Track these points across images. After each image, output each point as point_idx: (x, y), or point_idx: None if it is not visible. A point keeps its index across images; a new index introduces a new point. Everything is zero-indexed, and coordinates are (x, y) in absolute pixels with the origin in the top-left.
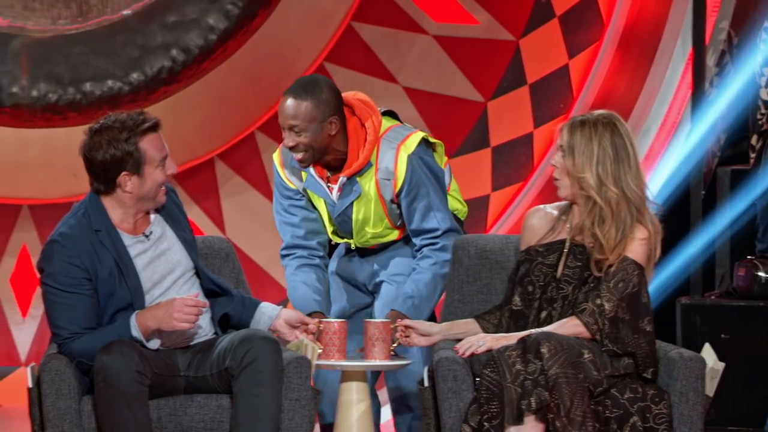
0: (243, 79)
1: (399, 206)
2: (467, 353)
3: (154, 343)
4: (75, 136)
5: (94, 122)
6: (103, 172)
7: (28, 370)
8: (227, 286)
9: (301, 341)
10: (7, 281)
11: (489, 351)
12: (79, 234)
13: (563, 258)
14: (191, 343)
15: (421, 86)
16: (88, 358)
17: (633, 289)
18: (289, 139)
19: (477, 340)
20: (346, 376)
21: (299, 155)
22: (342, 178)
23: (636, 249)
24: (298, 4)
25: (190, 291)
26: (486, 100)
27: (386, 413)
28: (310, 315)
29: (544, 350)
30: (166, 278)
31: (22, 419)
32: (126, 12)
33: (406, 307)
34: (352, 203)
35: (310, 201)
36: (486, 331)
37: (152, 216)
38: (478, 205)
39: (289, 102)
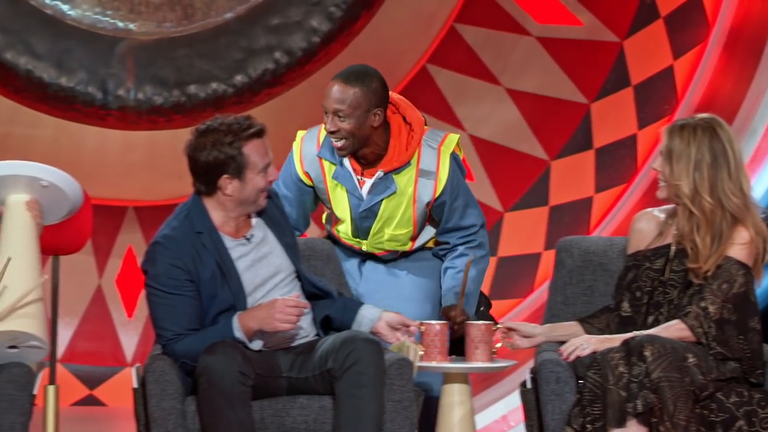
0: None
1: (431, 211)
2: (572, 356)
3: (257, 344)
4: (179, 138)
5: (201, 123)
6: (205, 174)
7: (133, 370)
8: (329, 288)
9: (403, 343)
10: (113, 282)
11: (594, 353)
12: (181, 236)
13: (669, 262)
14: (293, 345)
15: (524, 88)
16: (191, 359)
17: (740, 289)
18: (331, 124)
19: (582, 342)
20: (448, 378)
21: (340, 143)
22: (379, 173)
23: (737, 253)
24: (401, 6)
25: (291, 293)
26: (589, 101)
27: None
28: None
29: (647, 353)
30: (267, 281)
31: (127, 419)
32: (230, 15)
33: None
34: (381, 200)
35: (316, 198)
36: (590, 334)
37: (254, 220)
38: (581, 207)
39: (338, 87)
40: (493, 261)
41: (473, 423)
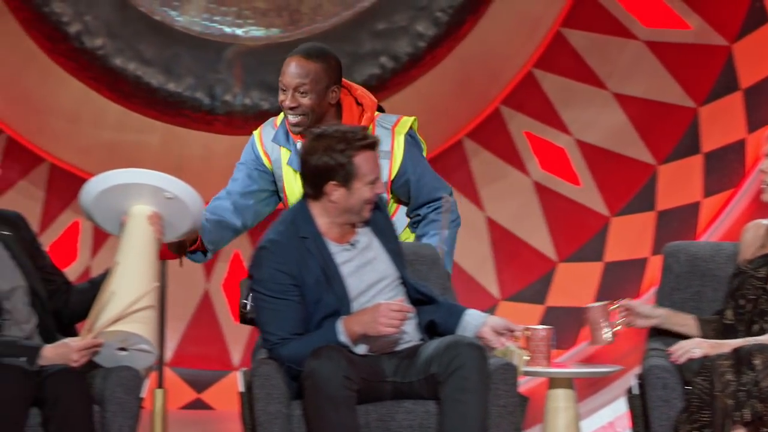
0: (451, 86)
1: (394, 192)
2: (682, 359)
3: (361, 348)
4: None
5: (318, 127)
6: (313, 177)
7: (239, 374)
8: (433, 293)
9: (508, 348)
10: (219, 287)
11: (703, 358)
12: (286, 241)
13: None
14: (397, 349)
15: (631, 92)
16: (296, 363)
17: None
18: (291, 100)
19: (693, 345)
20: (554, 383)
21: (297, 118)
22: None
23: None
24: (507, 11)
25: (395, 299)
26: (698, 105)
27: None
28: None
29: (756, 362)
30: (372, 287)
31: (234, 423)
32: (336, 20)
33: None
34: None
35: (272, 191)
36: (705, 335)
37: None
38: (688, 212)
39: (299, 62)
40: (599, 266)
41: (578, 429)
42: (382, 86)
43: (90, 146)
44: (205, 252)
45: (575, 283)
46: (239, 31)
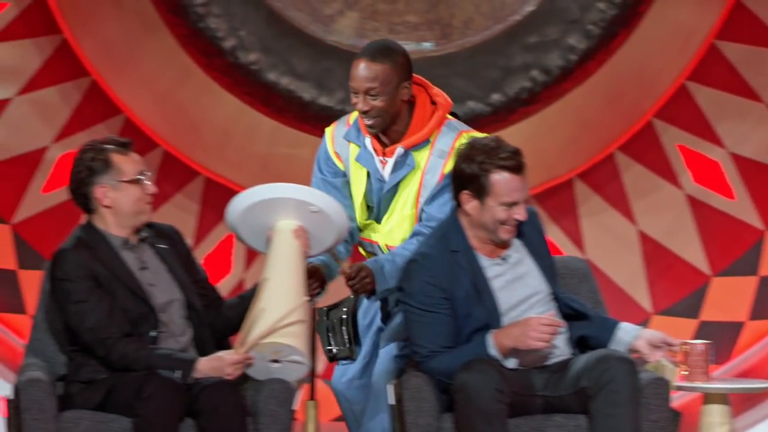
0: (603, 99)
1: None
2: None
3: (511, 362)
4: None
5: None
6: (453, 182)
7: (389, 387)
8: (585, 309)
9: (660, 362)
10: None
11: None
12: (437, 254)
13: None
14: (547, 363)
15: None
16: (446, 376)
17: None
18: (364, 104)
19: None
20: (709, 398)
21: (371, 120)
22: (399, 149)
23: None
24: (660, 24)
25: (546, 314)
26: None
27: None
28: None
29: None
30: (523, 302)
31: None
32: (487, 34)
33: (375, 266)
34: (399, 181)
35: (344, 187)
36: None
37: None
38: None
39: (366, 65)
40: (754, 280)
41: None
42: (534, 99)
43: (243, 160)
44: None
45: (730, 298)
46: None
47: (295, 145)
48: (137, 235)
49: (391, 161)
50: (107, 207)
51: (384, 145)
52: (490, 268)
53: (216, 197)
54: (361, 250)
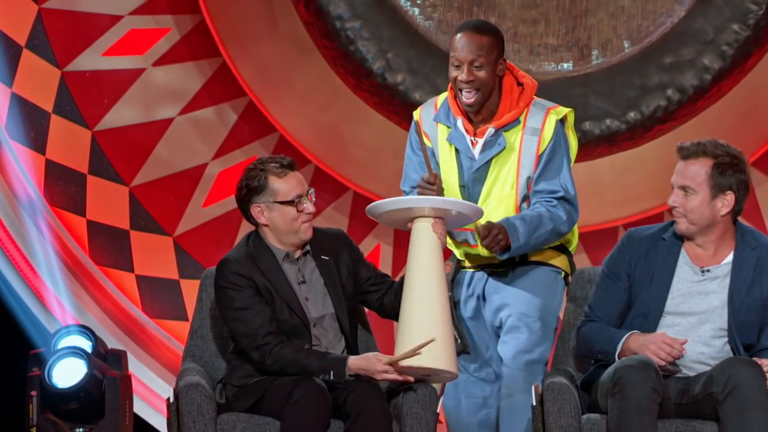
0: (736, 116)
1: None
2: None
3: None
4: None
5: None
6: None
7: (532, 389)
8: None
9: None
10: None
11: None
12: (644, 236)
13: None
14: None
15: None
16: (584, 344)
17: None
18: (468, 74)
19: None
20: None
21: (472, 92)
22: (490, 129)
23: None
24: None
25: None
26: None
27: None
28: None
29: None
30: (692, 315)
31: None
32: (624, 54)
33: (507, 223)
34: (490, 160)
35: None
36: None
37: None
38: None
39: (472, 36)
40: None
41: None
42: (669, 117)
43: (390, 176)
44: None
45: None
46: (531, 67)
47: None
48: (300, 249)
49: (481, 141)
50: (265, 225)
51: (474, 126)
52: (687, 268)
53: (364, 211)
54: (448, 237)
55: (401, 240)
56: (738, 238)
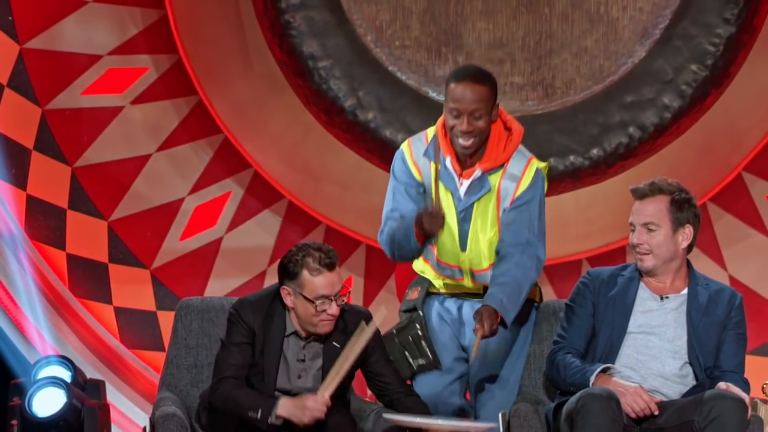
0: (695, 154)
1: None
2: None
3: None
4: None
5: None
6: None
7: (500, 416)
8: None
9: (754, 401)
10: None
11: None
12: (609, 274)
13: None
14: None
15: None
16: (553, 375)
17: None
18: (468, 125)
19: None
20: None
21: (471, 140)
22: (477, 172)
23: None
24: (749, 84)
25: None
26: None
27: None
28: (418, 214)
29: None
30: (647, 354)
31: None
32: (587, 93)
33: (496, 303)
34: (474, 203)
35: (421, 198)
36: None
37: None
38: None
39: (472, 87)
40: None
41: None
42: (630, 154)
43: (361, 210)
44: None
45: None
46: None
47: None
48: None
49: (467, 182)
50: (291, 307)
51: (462, 166)
52: (648, 302)
53: (336, 244)
54: (425, 268)
55: (373, 272)
56: (691, 274)
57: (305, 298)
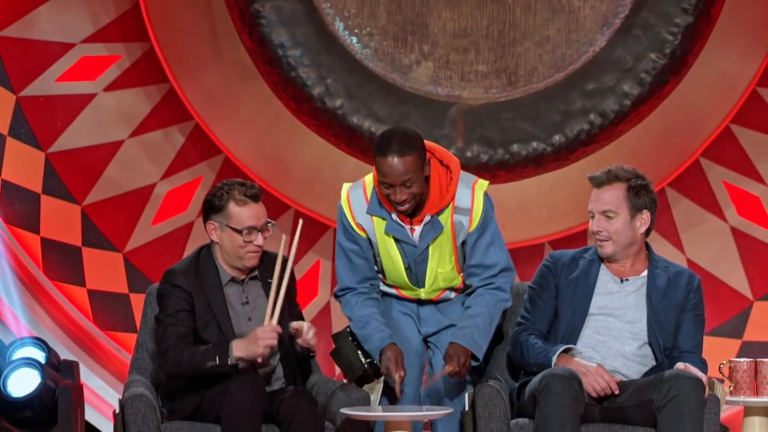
0: (654, 140)
1: (463, 248)
2: None
3: None
4: (504, 191)
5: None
6: None
7: (465, 395)
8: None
9: (711, 381)
10: None
11: None
12: (564, 256)
13: None
14: None
15: None
16: (518, 357)
17: None
18: (401, 194)
19: None
20: (749, 411)
21: (407, 205)
22: (426, 217)
23: None
24: (707, 72)
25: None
26: None
27: None
28: (386, 347)
29: None
30: (610, 332)
31: None
32: (549, 81)
33: (466, 341)
34: (428, 245)
35: (375, 252)
36: None
37: None
38: None
39: (397, 160)
40: None
41: None
42: (591, 140)
43: (329, 195)
44: None
45: None
46: (463, 92)
47: None
48: (246, 273)
49: (419, 228)
50: (216, 242)
51: (409, 215)
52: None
53: (305, 228)
54: (385, 296)
55: None
56: (651, 257)
57: (233, 229)
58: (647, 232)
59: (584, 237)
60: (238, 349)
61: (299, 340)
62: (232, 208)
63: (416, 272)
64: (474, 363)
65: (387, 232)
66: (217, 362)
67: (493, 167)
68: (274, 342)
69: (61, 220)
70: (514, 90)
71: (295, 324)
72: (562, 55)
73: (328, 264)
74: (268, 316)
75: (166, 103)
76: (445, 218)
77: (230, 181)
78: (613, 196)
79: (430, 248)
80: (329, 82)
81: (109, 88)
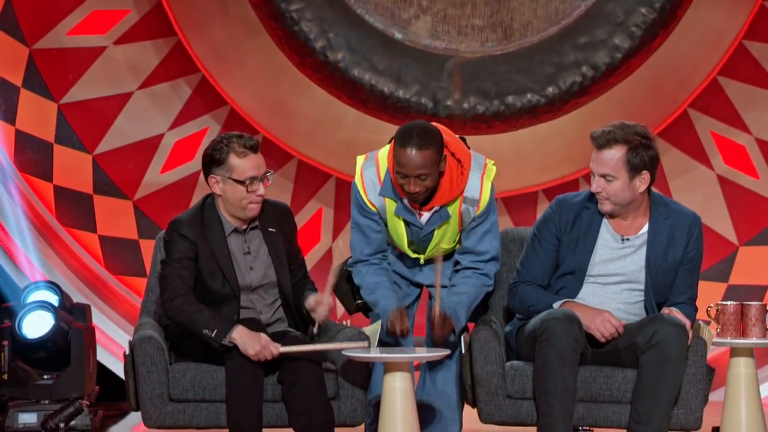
0: (644, 92)
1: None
2: None
3: None
4: (499, 141)
5: None
6: None
7: (462, 338)
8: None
9: (698, 323)
10: None
11: None
12: (570, 202)
13: None
14: None
15: None
16: (520, 306)
17: None
18: (415, 186)
19: None
20: (735, 352)
21: (419, 196)
22: (436, 207)
23: None
24: (695, 25)
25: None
26: None
27: None
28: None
29: None
30: (614, 276)
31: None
32: (543, 35)
33: (449, 311)
34: (434, 229)
35: (384, 223)
36: None
37: None
38: None
39: (416, 153)
40: None
41: (758, 392)
42: (583, 92)
43: (331, 144)
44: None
45: (755, 265)
46: (460, 46)
47: (376, 131)
48: (247, 223)
49: (427, 215)
50: (219, 195)
51: (420, 205)
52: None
53: (307, 177)
54: (394, 256)
55: (342, 203)
56: (653, 209)
57: (235, 180)
58: (648, 189)
59: (576, 185)
60: (238, 336)
61: (313, 314)
62: (233, 160)
63: (418, 245)
64: (451, 338)
65: (397, 214)
66: (213, 335)
67: (489, 118)
68: (267, 359)
69: (73, 168)
70: (509, 43)
71: (312, 301)
72: (556, 10)
73: (330, 212)
74: (284, 346)
75: (173, 56)
76: (453, 208)
77: (228, 135)
78: (612, 159)
79: (436, 231)
80: (331, 36)
81: (119, 41)
